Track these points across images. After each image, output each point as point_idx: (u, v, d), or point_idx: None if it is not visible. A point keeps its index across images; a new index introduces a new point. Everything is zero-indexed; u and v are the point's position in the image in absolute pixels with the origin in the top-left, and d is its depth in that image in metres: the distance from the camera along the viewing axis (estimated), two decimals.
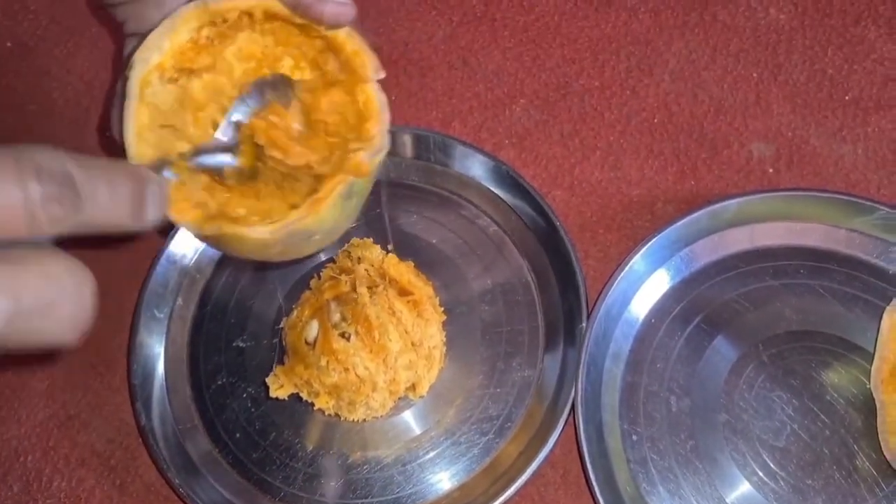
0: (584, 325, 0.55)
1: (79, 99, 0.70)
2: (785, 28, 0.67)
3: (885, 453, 0.51)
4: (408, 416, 0.55)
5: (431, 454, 0.54)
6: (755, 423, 0.53)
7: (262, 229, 0.40)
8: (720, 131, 0.64)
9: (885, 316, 0.54)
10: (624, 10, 0.69)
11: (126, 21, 0.51)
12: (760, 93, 0.65)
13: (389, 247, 0.59)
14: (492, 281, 0.59)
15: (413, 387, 0.54)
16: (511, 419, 0.54)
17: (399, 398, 0.55)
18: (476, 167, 0.62)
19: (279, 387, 0.54)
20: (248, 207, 0.43)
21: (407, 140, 0.63)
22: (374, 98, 0.44)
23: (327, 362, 0.52)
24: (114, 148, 0.44)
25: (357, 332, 0.52)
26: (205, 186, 0.43)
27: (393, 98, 0.67)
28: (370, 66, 0.44)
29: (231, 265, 0.61)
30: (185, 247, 0.61)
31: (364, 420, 0.55)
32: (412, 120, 0.66)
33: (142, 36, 0.45)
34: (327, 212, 0.41)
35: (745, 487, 0.51)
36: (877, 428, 0.52)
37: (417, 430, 0.55)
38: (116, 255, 0.63)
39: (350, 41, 0.44)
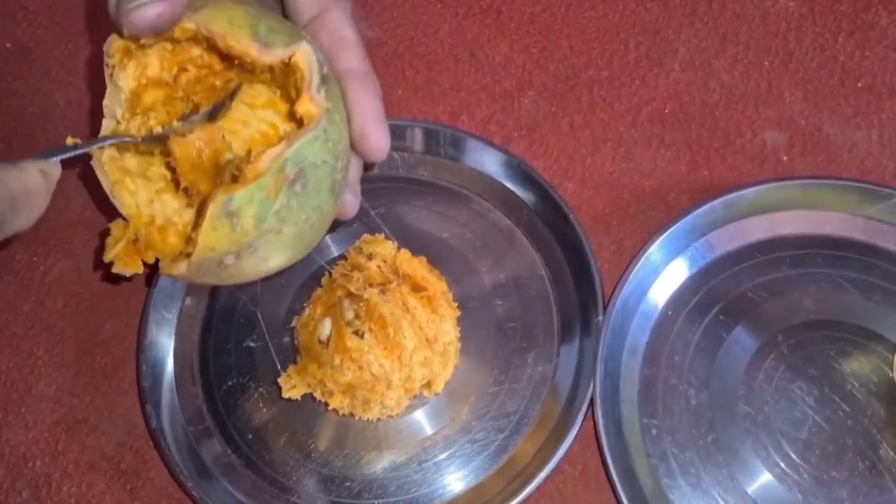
0: (600, 318, 0.54)
1: (80, 100, 0.69)
2: (795, 15, 0.67)
3: None
4: (423, 413, 0.54)
5: (447, 453, 0.53)
6: (776, 414, 0.52)
7: (179, 265, 0.40)
8: (732, 120, 0.63)
9: None
10: (632, 0, 0.69)
11: None
12: (772, 81, 0.64)
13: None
14: (504, 275, 0.58)
15: (428, 384, 0.54)
16: (528, 415, 0.54)
17: (414, 396, 0.54)
18: (486, 160, 0.61)
19: (292, 387, 0.53)
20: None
21: (416, 134, 0.62)
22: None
23: (341, 361, 0.51)
24: None
25: (371, 330, 0.51)
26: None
27: (399, 93, 0.67)
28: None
29: None
30: None
31: (378, 419, 0.54)
32: (419, 114, 0.65)
33: None
34: (209, 236, 0.38)
35: (767, 479, 0.51)
36: None
37: (432, 429, 0.54)
38: None
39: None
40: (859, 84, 0.64)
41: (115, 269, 0.41)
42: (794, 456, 0.51)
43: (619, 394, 0.53)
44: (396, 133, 0.61)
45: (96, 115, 0.68)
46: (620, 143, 0.63)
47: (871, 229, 0.57)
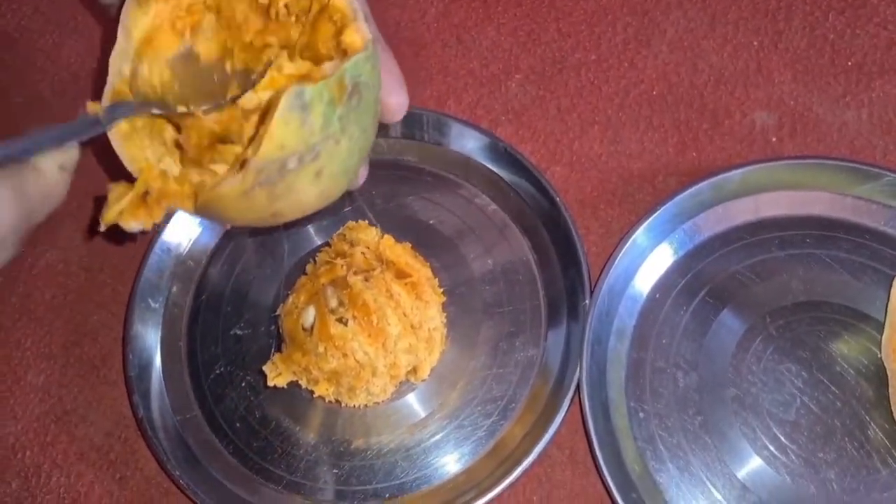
0: (587, 301, 0.54)
1: (65, 90, 0.69)
2: None
3: None
4: (410, 399, 0.54)
5: (435, 438, 0.53)
6: (764, 396, 0.52)
7: (232, 179, 0.38)
8: (721, 101, 0.62)
9: (894, 284, 0.53)
10: None
11: (111, 6, 0.50)
12: (761, 61, 0.64)
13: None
14: (492, 260, 0.58)
15: (414, 370, 0.53)
16: (515, 400, 0.53)
17: (400, 382, 0.54)
18: (473, 145, 0.60)
19: (277, 375, 0.53)
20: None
21: (402, 121, 0.61)
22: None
23: (325, 348, 0.51)
24: None
25: (354, 317, 0.51)
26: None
27: None
28: None
29: (226, 252, 0.60)
30: (180, 235, 0.60)
31: (366, 406, 0.54)
32: None
33: None
34: (281, 130, 0.37)
35: (756, 462, 0.51)
36: (888, 398, 0.51)
37: (421, 414, 0.54)
38: (109, 245, 0.62)
39: None
40: (849, 63, 0.63)
41: (124, 225, 0.41)
42: (782, 438, 0.51)
43: (606, 378, 0.53)
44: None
45: (80, 102, 0.68)
46: (608, 126, 0.62)
47: (860, 209, 0.56)
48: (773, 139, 0.61)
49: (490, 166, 0.60)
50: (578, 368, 0.52)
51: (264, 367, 0.53)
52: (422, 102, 0.64)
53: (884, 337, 0.52)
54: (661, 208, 0.56)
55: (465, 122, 0.61)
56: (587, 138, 0.62)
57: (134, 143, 0.43)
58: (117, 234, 0.42)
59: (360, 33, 0.41)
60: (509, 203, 0.59)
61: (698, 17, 0.66)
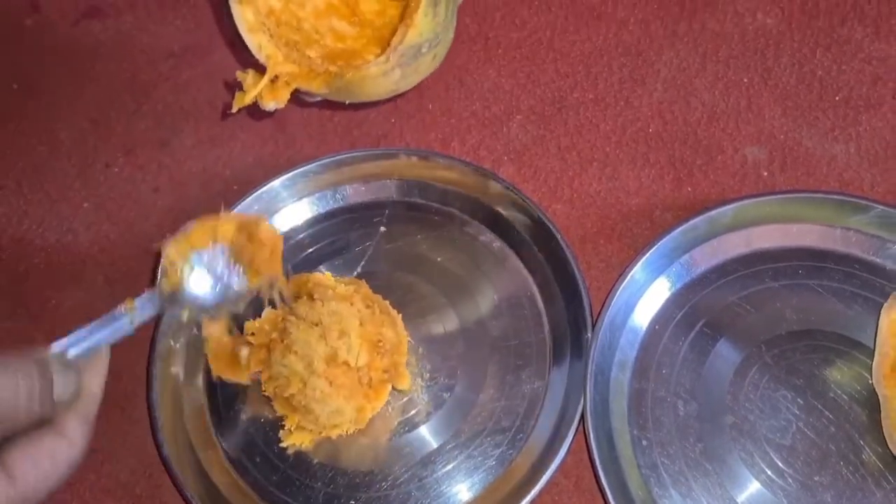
0: (589, 334, 0.56)
1: (85, 138, 0.72)
2: (773, 32, 0.69)
3: (889, 447, 0.52)
4: (422, 431, 0.57)
5: (447, 468, 0.55)
6: (761, 422, 0.54)
7: (379, 61, 0.52)
8: (714, 137, 0.65)
9: (883, 312, 0.55)
10: (614, 23, 0.71)
11: None
12: (752, 97, 0.66)
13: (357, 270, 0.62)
14: (497, 296, 0.60)
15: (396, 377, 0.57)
16: (523, 430, 0.56)
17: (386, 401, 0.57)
18: (477, 185, 0.63)
19: (292, 436, 0.57)
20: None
21: (408, 161, 0.64)
22: None
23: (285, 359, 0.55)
24: None
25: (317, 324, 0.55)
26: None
27: (393, 121, 0.69)
28: None
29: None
30: None
31: (378, 438, 0.56)
32: (412, 141, 0.68)
33: None
34: (422, 21, 0.51)
35: (755, 487, 0.53)
36: (881, 422, 0.53)
37: (433, 445, 0.56)
38: (131, 286, 0.65)
39: None
40: (837, 98, 0.66)
41: (264, 104, 0.55)
42: (779, 463, 0.53)
43: (609, 407, 0.55)
44: (391, 159, 0.64)
45: (99, 151, 0.71)
46: (606, 164, 0.65)
47: (849, 240, 0.59)
48: (765, 173, 0.63)
49: (494, 205, 0.63)
50: (582, 399, 0.54)
51: (283, 442, 0.57)
52: (427, 144, 0.67)
53: (874, 363, 0.54)
54: (659, 243, 0.58)
55: (468, 164, 0.63)
56: (586, 176, 0.65)
57: (258, 35, 0.55)
58: None
59: None
60: (513, 240, 0.62)
61: (690, 56, 0.69)
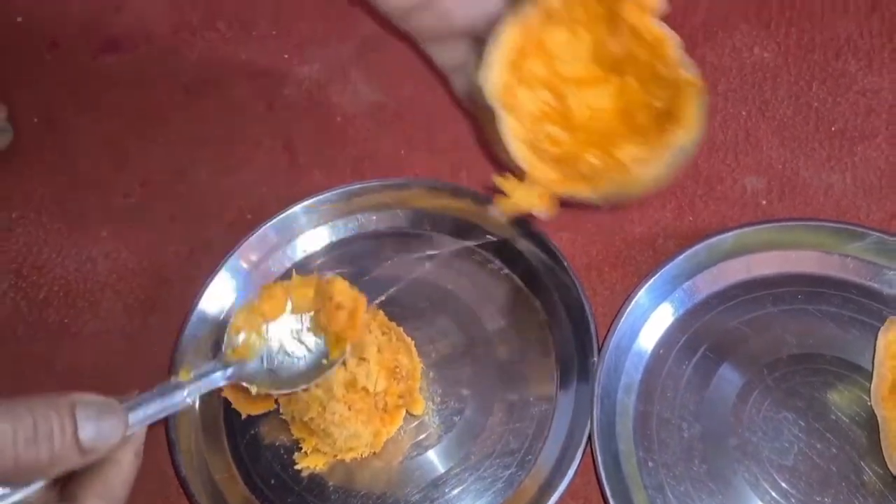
0: (595, 359, 0.58)
1: (103, 168, 0.74)
2: (770, 66, 0.71)
3: (889, 467, 0.53)
4: (431, 455, 0.58)
5: (457, 490, 0.57)
6: (764, 444, 0.56)
7: (653, 165, 0.52)
8: (714, 168, 0.67)
9: (880, 335, 0.56)
10: None
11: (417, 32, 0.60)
12: (750, 129, 0.69)
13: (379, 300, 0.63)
14: (505, 321, 0.62)
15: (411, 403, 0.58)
16: (531, 452, 0.57)
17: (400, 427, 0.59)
18: (485, 214, 0.65)
19: (307, 459, 0.58)
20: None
21: (418, 191, 0.66)
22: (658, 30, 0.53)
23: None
24: None
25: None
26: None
27: (402, 152, 0.71)
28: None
29: None
30: (215, 304, 0.64)
31: (391, 461, 0.58)
32: (421, 172, 0.70)
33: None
34: (696, 121, 0.52)
35: None
36: (880, 443, 0.54)
37: (443, 468, 0.58)
38: (148, 314, 0.66)
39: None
40: (832, 129, 0.68)
41: (537, 211, 0.54)
42: (783, 484, 0.54)
43: (615, 430, 0.57)
44: (401, 189, 0.66)
45: (117, 181, 0.73)
46: None
47: (846, 266, 0.60)
48: (763, 202, 0.65)
49: (501, 234, 0.65)
50: (589, 422, 0.56)
51: (297, 464, 0.58)
52: (437, 174, 0.69)
53: (872, 385, 0.56)
54: (662, 270, 0.60)
55: (477, 193, 0.65)
56: (591, 207, 0.66)
57: (523, 144, 0.54)
58: None
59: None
60: (520, 267, 0.64)
61: None
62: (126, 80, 0.79)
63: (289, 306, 0.54)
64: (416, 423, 0.59)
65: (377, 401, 0.56)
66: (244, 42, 0.80)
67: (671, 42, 0.52)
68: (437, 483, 0.57)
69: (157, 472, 0.61)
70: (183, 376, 0.49)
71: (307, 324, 0.54)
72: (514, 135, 0.53)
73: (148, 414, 0.45)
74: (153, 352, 0.65)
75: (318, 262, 0.66)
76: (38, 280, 0.69)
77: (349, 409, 0.55)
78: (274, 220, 0.66)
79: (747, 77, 0.71)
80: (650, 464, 0.56)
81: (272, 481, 0.59)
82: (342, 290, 0.53)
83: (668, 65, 0.53)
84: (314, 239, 0.67)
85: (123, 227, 0.71)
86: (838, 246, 0.60)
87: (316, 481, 0.58)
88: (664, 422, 0.57)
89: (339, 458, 0.57)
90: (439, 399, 0.60)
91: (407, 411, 0.59)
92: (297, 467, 0.58)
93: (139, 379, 0.63)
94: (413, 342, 0.60)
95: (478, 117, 0.57)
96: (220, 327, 0.64)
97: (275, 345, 0.54)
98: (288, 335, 0.54)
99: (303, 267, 0.66)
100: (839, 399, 0.57)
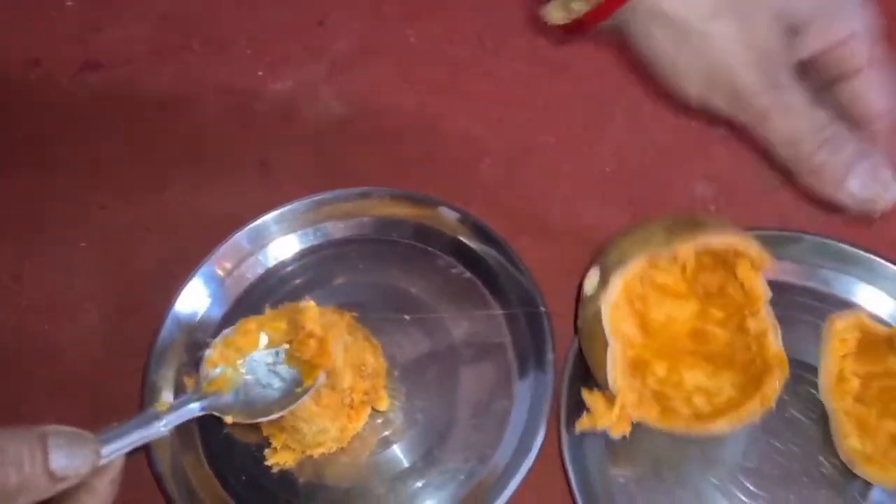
0: (552, 355, 0.61)
1: (82, 182, 0.77)
2: None
3: (840, 456, 0.56)
4: (398, 449, 0.61)
5: (420, 483, 0.59)
6: (725, 448, 0.58)
7: (721, 424, 0.54)
8: (666, 176, 0.71)
9: (825, 332, 0.59)
10: (574, 73, 0.77)
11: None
12: (700, 139, 0.72)
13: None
14: (467, 322, 0.65)
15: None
16: (491, 446, 0.60)
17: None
18: (449, 221, 0.68)
19: (277, 455, 0.60)
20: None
21: (383, 200, 0.70)
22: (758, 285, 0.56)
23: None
24: None
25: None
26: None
27: (371, 164, 0.74)
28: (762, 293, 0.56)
29: (232, 323, 0.66)
30: (189, 308, 0.67)
31: (357, 456, 0.60)
32: (389, 183, 0.72)
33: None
34: (771, 400, 0.54)
35: None
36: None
37: (407, 462, 0.60)
38: (125, 320, 0.69)
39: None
40: None
41: (611, 430, 0.55)
42: (749, 486, 0.56)
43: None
44: (369, 198, 0.69)
45: (95, 194, 0.75)
46: (568, 201, 0.70)
47: (787, 270, 0.63)
48: (712, 208, 0.69)
49: (464, 239, 0.68)
50: (548, 416, 0.58)
51: (267, 461, 0.60)
52: (402, 184, 0.72)
53: (820, 380, 0.58)
54: None
55: (441, 202, 0.68)
56: (550, 213, 0.70)
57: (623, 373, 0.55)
58: None
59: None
60: (482, 272, 0.67)
61: (644, 102, 0.75)
62: (106, 97, 0.81)
63: (264, 340, 0.58)
64: (381, 419, 0.61)
65: (344, 397, 0.59)
66: (219, 60, 0.83)
67: (766, 302, 0.56)
68: (402, 476, 0.60)
69: (135, 473, 0.62)
70: (160, 407, 0.52)
71: (282, 356, 0.57)
72: (618, 363, 0.54)
73: (124, 444, 0.48)
74: (130, 358, 0.66)
75: (290, 267, 0.69)
76: (18, 290, 0.71)
77: (317, 404, 0.57)
78: (246, 229, 0.68)
79: None
80: (621, 481, 0.58)
81: (244, 478, 0.61)
82: (313, 318, 0.55)
83: (757, 322, 0.56)
84: (285, 246, 0.70)
85: (100, 238, 0.73)
86: (777, 251, 0.62)
87: (286, 478, 0.60)
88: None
89: (307, 453, 0.60)
90: (404, 396, 0.62)
91: (373, 408, 0.61)
92: (268, 464, 0.60)
93: (117, 385, 0.66)
94: (379, 342, 0.63)
95: (581, 334, 0.58)
96: (194, 332, 0.66)
97: (250, 377, 0.57)
98: (263, 368, 0.57)
99: (277, 271, 0.69)
100: (793, 397, 0.59)
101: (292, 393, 0.56)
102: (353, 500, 0.59)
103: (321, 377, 0.55)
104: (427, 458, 0.60)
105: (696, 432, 0.55)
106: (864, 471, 0.55)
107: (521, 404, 0.61)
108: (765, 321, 0.56)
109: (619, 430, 0.54)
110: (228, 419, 0.55)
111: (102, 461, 0.45)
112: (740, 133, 0.70)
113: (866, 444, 0.55)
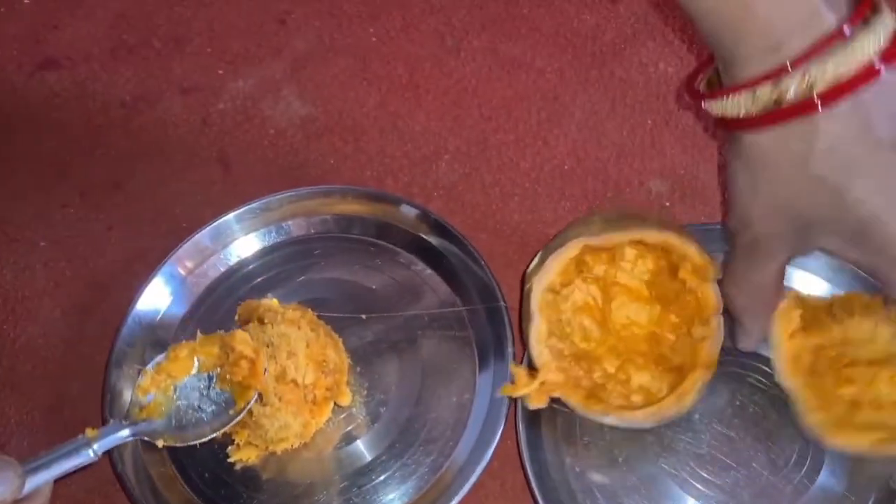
0: (512, 349, 0.62)
1: (43, 181, 0.77)
2: (673, 79, 0.77)
3: (809, 434, 0.56)
4: (361, 443, 0.61)
5: (383, 476, 0.60)
6: (678, 436, 0.59)
7: (647, 416, 0.56)
8: (622, 173, 0.72)
9: (774, 318, 0.58)
10: (533, 71, 0.78)
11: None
12: (655, 137, 0.74)
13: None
14: (428, 318, 0.66)
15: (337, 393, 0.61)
16: (452, 439, 0.61)
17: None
18: (409, 218, 0.69)
19: (240, 452, 0.61)
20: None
21: (345, 198, 0.70)
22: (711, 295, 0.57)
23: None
24: None
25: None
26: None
27: (332, 161, 0.75)
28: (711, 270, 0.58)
29: (194, 320, 0.67)
30: (151, 305, 0.67)
31: (320, 451, 0.61)
32: (349, 180, 0.73)
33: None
34: (690, 400, 0.56)
35: (689, 502, 0.57)
36: (789, 418, 0.57)
37: (370, 456, 0.61)
38: (86, 318, 0.69)
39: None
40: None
41: (528, 403, 0.58)
42: (703, 474, 0.57)
43: (540, 418, 0.60)
44: (330, 196, 0.70)
45: (56, 193, 0.75)
46: (526, 197, 0.72)
47: None
48: (667, 203, 0.70)
49: (424, 236, 0.69)
50: (507, 406, 0.60)
51: (228, 449, 0.61)
52: (363, 182, 0.73)
53: (775, 365, 0.58)
54: None
55: (401, 199, 0.69)
56: (508, 209, 0.71)
57: (544, 346, 0.59)
58: None
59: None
60: (442, 267, 0.68)
61: (601, 101, 0.76)
62: (65, 96, 0.81)
63: (196, 365, 0.59)
64: (344, 414, 0.62)
65: (306, 393, 0.59)
66: (179, 59, 0.83)
67: (716, 312, 0.57)
68: (365, 471, 0.60)
69: (95, 471, 0.62)
70: (89, 434, 0.53)
71: (214, 380, 0.58)
72: (539, 338, 0.58)
73: (52, 473, 0.50)
74: (91, 356, 0.67)
75: (253, 265, 0.70)
76: None
77: (279, 400, 0.58)
78: (208, 228, 0.69)
79: (653, 89, 0.76)
80: (577, 469, 0.59)
81: (207, 475, 0.61)
82: (243, 341, 0.57)
83: (703, 329, 0.58)
84: (247, 245, 0.70)
85: (61, 237, 0.73)
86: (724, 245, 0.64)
87: (249, 474, 0.61)
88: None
89: (270, 449, 0.60)
90: (366, 392, 0.63)
91: (335, 403, 0.62)
92: (231, 460, 0.61)
93: (77, 383, 0.66)
94: (340, 339, 0.63)
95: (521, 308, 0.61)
96: (156, 331, 0.67)
97: (182, 402, 0.58)
98: (196, 393, 0.58)
99: (239, 269, 0.70)
100: (742, 387, 0.60)
101: (225, 415, 0.57)
102: (317, 495, 0.60)
103: (253, 398, 0.57)
104: (390, 452, 0.61)
105: (614, 420, 0.57)
106: (834, 441, 0.55)
107: (483, 397, 0.62)
108: (712, 330, 0.58)
109: (536, 402, 0.58)
110: (160, 443, 0.56)
111: (27, 488, 0.46)
112: (694, 132, 0.73)
113: (830, 414, 0.56)
